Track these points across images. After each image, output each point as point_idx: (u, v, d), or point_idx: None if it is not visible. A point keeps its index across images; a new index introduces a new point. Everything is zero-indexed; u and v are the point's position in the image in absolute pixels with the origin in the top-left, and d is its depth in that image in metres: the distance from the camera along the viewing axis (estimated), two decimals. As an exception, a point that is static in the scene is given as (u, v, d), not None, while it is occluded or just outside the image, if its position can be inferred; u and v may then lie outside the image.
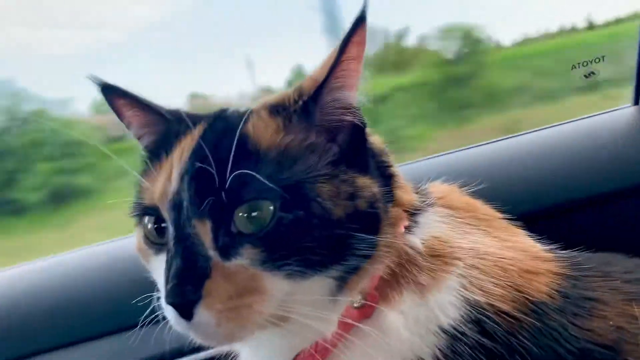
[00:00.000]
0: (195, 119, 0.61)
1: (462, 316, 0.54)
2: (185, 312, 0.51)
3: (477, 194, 0.70)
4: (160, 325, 0.60)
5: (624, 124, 1.15)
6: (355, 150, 0.59)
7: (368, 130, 0.61)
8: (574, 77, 1.20)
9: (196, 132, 0.59)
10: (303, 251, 0.52)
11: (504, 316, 0.54)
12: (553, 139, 1.16)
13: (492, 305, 0.55)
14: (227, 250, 0.52)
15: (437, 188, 0.70)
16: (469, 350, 0.53)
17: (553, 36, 1.55)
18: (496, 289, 0.56)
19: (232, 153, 0.52)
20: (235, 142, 0.53)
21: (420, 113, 1.73)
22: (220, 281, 0.51)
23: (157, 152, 0.61)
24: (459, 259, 0.58)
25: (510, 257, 0.59)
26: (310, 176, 0.54)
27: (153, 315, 0.62)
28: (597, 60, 1.13)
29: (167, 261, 0.53)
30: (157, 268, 0.58)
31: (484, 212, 0.67)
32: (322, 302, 0.55)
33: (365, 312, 0.56)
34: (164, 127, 0.65)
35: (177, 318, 0.52)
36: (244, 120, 0.57)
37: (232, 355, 0.68)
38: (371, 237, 0.55)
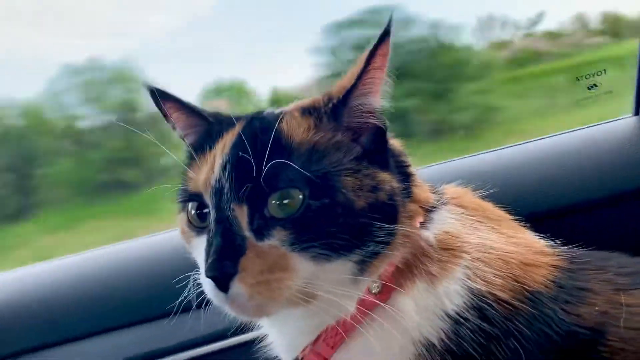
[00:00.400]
0: (234, 119, 0.68)
1: (465, 303, 0.60)
2: (223, 285, 0.57)
3: (487, 197, 0.75)
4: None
5: (624, 133, 1.19)
6: (377, 149, 0.65)
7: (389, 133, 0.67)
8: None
9: (236, 129, 0.65)
10: (328, 236, 0.58)
11: (503, 304, 0.59)
12: (557, 147, 1.21)
13: (492, 294, 0.60)
14: (260, 232, 0.59)
15: (451, 190, 0.75)
16: (470, 333, 0.58)
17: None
18: (497, 279, 0.61)
19: (269, 146, 0.59)
20: (272, 136, 0.60)
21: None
22: (253, 258, 0.57)
23: (201, 147, 0.68)
24: (466, 252, 0.64)
25: (512, 251, 0.64)
26: (336, 169, 0.60)
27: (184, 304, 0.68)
28: (599, 73, 1.19)
29: (207, 240, 0.60)
30: (198, 248, 0.64)
31: (494, 213, 0.72)
32: (344, 281, 0.60)
33: (382, 297, 0.62)
34: (205, 128, 0.72)
35: (215, 291, 0.58)
36: (280, 118, 0.64)
37: (260, 338, 0.74)
38: (390, 226, 0.61)
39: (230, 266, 0.56)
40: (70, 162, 1.70)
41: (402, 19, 1.46)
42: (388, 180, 0.63)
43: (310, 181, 0.58)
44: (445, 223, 0.67)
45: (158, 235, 1.22)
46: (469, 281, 0.61)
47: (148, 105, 0.73)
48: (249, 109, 0.74)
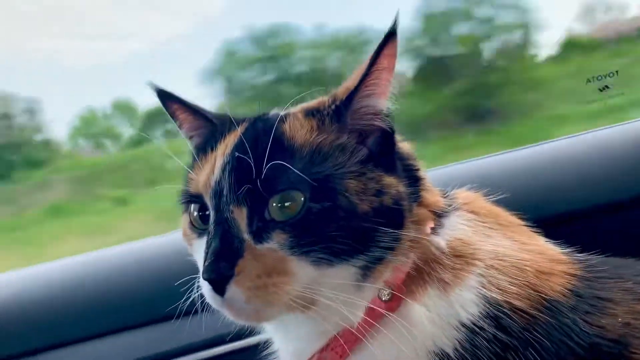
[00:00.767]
0: (238, 120, 0.67)
1: (481, 312, 0.58)
2: (219, 287, 0.56)
3: (499, 201, 0.73)
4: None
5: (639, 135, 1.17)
6: (383, 153, 0.63)
7: (397, 136, 0.66)
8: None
9: (239, 130, 0.64)
10: (329, 240, 0.56)
11: (520, 313, 0.57)
12: (572, 148, 1.19)
13: (508, 303, 0.58)
14: (259, 235, 0.58)
15: (463, 194, 0.73)
16: (486, 343, 0.56)
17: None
18: (513, 287, 0.59)
19: (269, 146, 0.58)
20: (271, 137, 0.59)
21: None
22: (251, 261, 0.56)
23: (204, 148, 0.67)
24: (479, 259, 0.62)
25: (527, 258, 0.63)
26: (339, 172, 0.59)
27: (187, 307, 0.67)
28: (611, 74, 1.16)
29: (207, 242, 0.59)
30: (199, 250, 0.63)
31: (506, 219, 0.70)
32: (346, 287, 0.59)
33: (392, 305, 0.60)
34: (210, 129, 0.71)
35: (212, 293, 0.57)
36: (280, 119, 0.63)
37: (266, 343, 0.73)
38: (395, 231, 0.59)
39: (227, 268, 0.55)
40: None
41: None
42: (394, 184, 0.61)
43: (311, 183, 0.57)
44: (456, 229, 0.66)
45: (161, 237, 1.22)
46: (484, 289, 0.59)
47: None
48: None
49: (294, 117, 0.64)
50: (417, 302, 0.60)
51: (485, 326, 0.57)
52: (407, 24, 1.61)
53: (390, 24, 0.59)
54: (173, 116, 0.73)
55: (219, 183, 0.60)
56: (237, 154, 0.60)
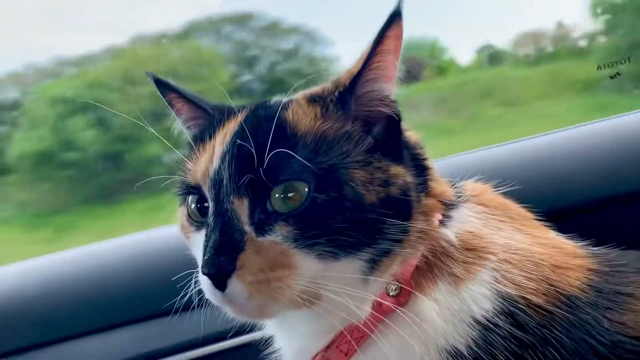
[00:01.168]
0: (237, 108, 0.64)
1: (495, 308, 0.56)
2: (220, 282, 0.53)
3: (508, 193, 0.71)
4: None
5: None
6: (390, 141, 0.61)
7: (404, 124, 0.63)
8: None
9: (239, 118, 0.61)
10: (334, 232, 0.54)
11: (536, 309, 0.55)
12: (580, 138, 1.17)
13: (524, 298, 0.56)
14: (261, 227, 0.55)
15: (471, 186, 0.71)
16: (501, 340, 0.54)
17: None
18: (528, 282, 0.57)
19: (272, 134, 0.55)
20: (276, 124, 0.56)
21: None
22: (253, 255, 0.53)
23: (201, 137, 0.64)
24: (492, 253, 0.60)
25: (542, 252, 0.60)
26: (344, 161, 0.56)
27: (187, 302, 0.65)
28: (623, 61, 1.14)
29: (206, 235, 0.56)
30: (197, 244, 0.60)
31: (516, 212, 0.68)
32: (353, 281, 0.56)
33: (401, 300, 0.58)
34: (208, 119, 0.68)
35: (212, 289, 0.54)
36: (283, 106, 0.60)
37: (268, 340, 0.70)
38: (402, 222, 0.57)
39: (228, 262, 0.53)
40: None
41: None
42: (401, 174, 0.59)
43: (316, 173, 0.54)
44: (466, 222, 0.63)
45: (155, 231, 1.18)
46: (498, 284, 0.57)
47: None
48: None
49: (297, 104, 0.61)
50: (426, 297, 0.58)
51: (500, 323, 0.55)
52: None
53: (396, 4, 0.56)
54: (170, 105, 0.70)
55: (218, 173, 0.57)
56: (237, 142, 0.57)
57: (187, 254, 0.65)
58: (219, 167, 0.57)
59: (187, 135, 0.70)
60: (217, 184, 0.57)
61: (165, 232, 1.16)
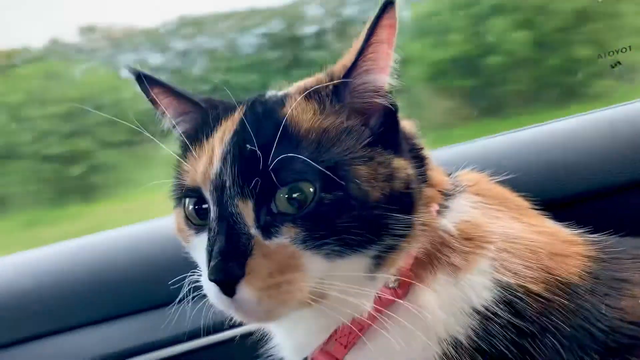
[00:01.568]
0: (230, 104, 0.63)
1: (494, 297, 0.56)
2: (228, 289, 0.52)
3: (504, 182, 0.71)
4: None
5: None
6: (388, 133, 0.60)
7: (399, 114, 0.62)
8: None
9: (236, 115, 0.60)
10: (342, 231, 0.53)
11: (535, 297, 0.56)
12: (577, 128, 1.17)
13: (522, 287, 0.56)
14: (268, 229, 0.54)
15: (467, 176, 0.71)
16: (501, 330, 0.54)
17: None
18: (527, 271, 0.57)
19: (278, 136, 0.54)
20: (277, 124, 0.55)
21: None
22: (261, 259, 0.52)
23: (196, 136, 0.62)
24: (490, 242, 0.60)
25: (540, 240, 0.61)
26: (348, 158, 0.55)
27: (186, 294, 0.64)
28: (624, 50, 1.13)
29: (209, 239, 0.55)
30: (197, 248, 0.59)
31: (513, 201, 0.68)
32: (360, 278, 0.56)
33: (401, 291, 0.58)
34: (200, 114, 0.66)
35: (219, 295, 0.53)
36: (280, 102, 0.59)
37: (267, 336, 0.70)
38: (407, 216, 0.56)
39: (237, 268, 0.51)
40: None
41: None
42: (403, 166, 0.58)
43: (321, 172, 0.53)
44: (464, 211, 0.63)
45: (152, 222, 1.16)
46: (497, 273, 0.57)
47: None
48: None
49: (294, 100, 0.60)
50: (426, 288, 0.58)
51: (500, 312, 0.55)
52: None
53: None
54: (155, 102, 0.66)
55: (219, 175, 0.56)
56: (240, 142, 0.56)
57: (181, 247, 0.64)
58: (221, 168, 0.56)
59: (177, 133, 0.67)
60: (219, 186, 0.55)
61: (161, 224, 1.13)
